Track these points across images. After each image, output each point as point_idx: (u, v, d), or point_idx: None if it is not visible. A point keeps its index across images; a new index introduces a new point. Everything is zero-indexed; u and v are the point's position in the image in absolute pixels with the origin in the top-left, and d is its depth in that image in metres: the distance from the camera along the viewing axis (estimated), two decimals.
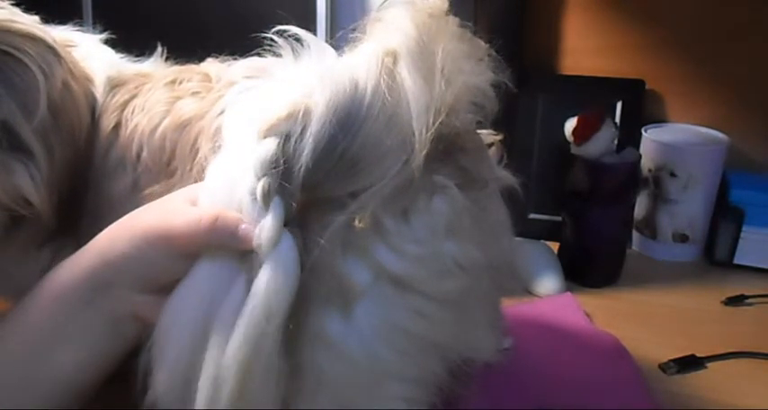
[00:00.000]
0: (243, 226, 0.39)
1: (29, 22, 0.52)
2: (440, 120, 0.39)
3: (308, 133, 0.38)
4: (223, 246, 0.39)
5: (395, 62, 0.40)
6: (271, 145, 0.38)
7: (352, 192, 0.39)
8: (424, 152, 0.39)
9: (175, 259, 0.41)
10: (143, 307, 0.43)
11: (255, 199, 0.38)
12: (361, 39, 0.44)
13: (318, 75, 0.40)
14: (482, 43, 0.45)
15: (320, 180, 0.39)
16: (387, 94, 0.39)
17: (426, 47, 0.41)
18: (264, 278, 0.38)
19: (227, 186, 0.41)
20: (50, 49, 0.52)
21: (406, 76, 0.39)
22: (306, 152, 0.38)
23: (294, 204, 0.39)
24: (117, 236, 0.43)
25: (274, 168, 0.38)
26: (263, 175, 0.38)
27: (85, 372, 0.43)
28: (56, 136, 0.51)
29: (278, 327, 0.38)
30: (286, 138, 0.39)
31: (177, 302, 0.40)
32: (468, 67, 0.43)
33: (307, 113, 0.38)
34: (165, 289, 0.41)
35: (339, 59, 0.43)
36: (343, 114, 0.38)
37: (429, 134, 0.39)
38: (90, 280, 0.43)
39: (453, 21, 0.44)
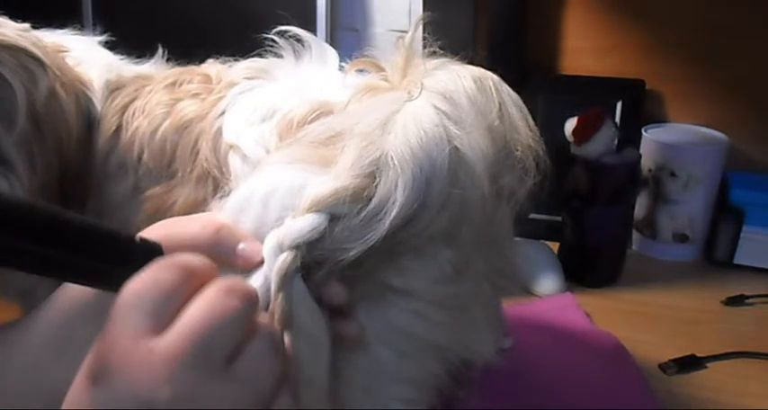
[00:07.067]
0: (242, 245, 0.37)
1: (11, 33, 0.52)
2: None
3: (373, 217, 0.35)
4: (222, 260, 0.38)
5: (457, 132, 0.38)
6: (311, 222, 0.35)
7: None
8: None
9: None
10: None
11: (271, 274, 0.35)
12: (397, 67, 0.44)
13: (399, 153, 0.36)
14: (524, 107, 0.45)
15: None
16: (452, 181, 0.37)
17: (490, 121, 0.40)
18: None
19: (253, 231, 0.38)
20: (34, 58, 0.51)
21: (470, 162, 0.38)
22: (359, 239, 0.35)
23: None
24: None
25: (308, 246, 0.35)
26: (290, 248, 0.35)
27: None
28: (39, 146, 0.50)
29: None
30: (335, 217, 0.36)
31: None
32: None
33: (367, 195, 0.35)
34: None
35: (404, 116, 0.39)
36: (418, 204, 0.36)
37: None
38: (98, 298, 0.41)
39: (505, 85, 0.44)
